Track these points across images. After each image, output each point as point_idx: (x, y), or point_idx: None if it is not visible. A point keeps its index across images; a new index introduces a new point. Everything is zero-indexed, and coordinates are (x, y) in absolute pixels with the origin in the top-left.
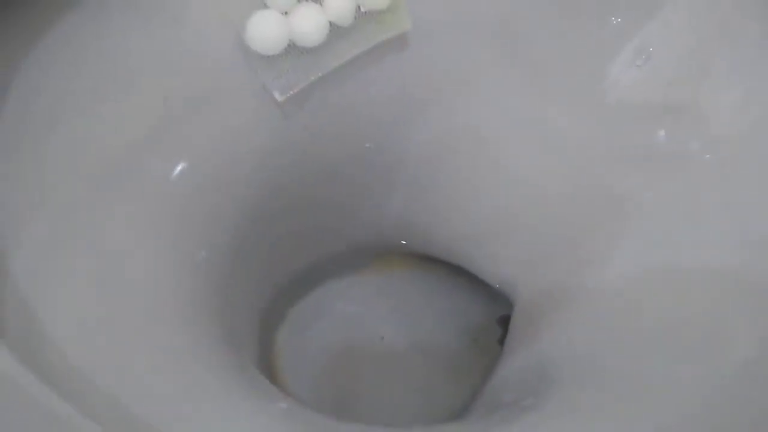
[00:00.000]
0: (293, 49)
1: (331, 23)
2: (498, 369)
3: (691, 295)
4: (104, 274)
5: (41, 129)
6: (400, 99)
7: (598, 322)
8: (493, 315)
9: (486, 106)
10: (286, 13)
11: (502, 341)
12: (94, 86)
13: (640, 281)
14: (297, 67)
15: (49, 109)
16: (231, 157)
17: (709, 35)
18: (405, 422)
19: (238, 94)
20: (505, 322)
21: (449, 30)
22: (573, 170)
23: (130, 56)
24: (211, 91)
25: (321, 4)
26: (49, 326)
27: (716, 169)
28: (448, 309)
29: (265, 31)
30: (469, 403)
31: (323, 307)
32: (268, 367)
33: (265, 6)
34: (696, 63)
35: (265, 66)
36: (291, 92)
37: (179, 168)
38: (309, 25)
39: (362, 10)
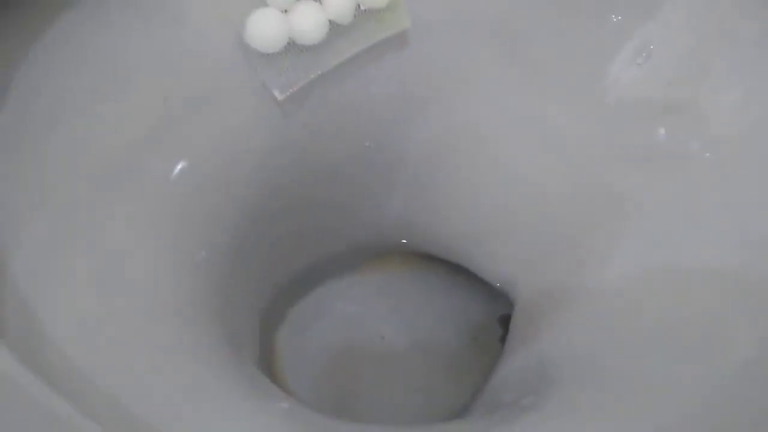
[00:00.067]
0: (293, 47)
1: (330, 21)
2: (498, 368)
3: (691, 295)
4: (104, 274)
5: (41, 129)
6: (400, 97)
7: (598, 322)
8: (493, 314)
9: (485, 105)
10: (285, 11)
11: (503, 340)
12: (93, 86)
13: (640, 281)
14: (297, 65)
15: (48, 109)
16: (231, 157)
17: (708, 34)
18: (405, 422)
19: (238, 93)
20: (506, 321)
21: (448, 28)
22: (572, 169)
23: (130, 55)
24: (211, 90)
25: (321, 3)
26: (49, 326)
27: (716, 169)
28: (448, 308)
29: (265, 29)
30: (470, 402)
31: (323, 307)
32: (268, 366)
33: (265, 4)
34: (696, 62)
35: (265, 64)
36: (291, 90)
37: (179, 168)
38: (309, 23)
39: (362, 8)
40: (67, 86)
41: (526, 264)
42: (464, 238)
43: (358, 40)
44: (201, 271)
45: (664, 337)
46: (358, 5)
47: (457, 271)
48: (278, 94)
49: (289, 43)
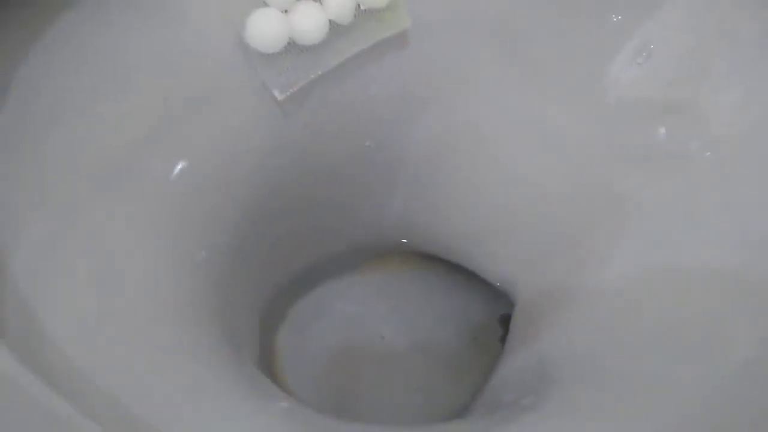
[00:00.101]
0: (293, 47)
1: (330, 21)
2: (498, 368)
3: (691, 295)
4: (104, 274)
5: (41, 129)
6: (400, 97)
7: (598, 322)
8: (493, 314)
9: (485, 105)
10: (286, 11)
11: (503, 340)
12: (93, 86)
13: (640, 281)
14: (297, 65)
15: (48, 109)
16: (231, 157)
17: (708, 34)
18: (405, 422)
19: (238, 93)
20: (506, 321)
21: (448, 28)
22: (572, 169)
23: (130, 55)
24: (211, 90)
25: (321, 3)
26: (49, 326)
27: (716, 169)
28: (448, 308)
29: (265, 29)
30: (470, 402)
31: (323, 307)
32: (268, 366)
33: (265, 4)
34: (696, 62)
35: (265, 64)
36: (291, 90)
37: (179, 168)
38: (309, 23)
39: (362, 8)
40: (67, 86)
41: (526, 264)
42: (464, 238)
43: (358, 40)
44: (201, 271)
45: (664, 337)
46: (358, 5)
47: (457, 271)
48: (278, 94)
49: (289, 43)
